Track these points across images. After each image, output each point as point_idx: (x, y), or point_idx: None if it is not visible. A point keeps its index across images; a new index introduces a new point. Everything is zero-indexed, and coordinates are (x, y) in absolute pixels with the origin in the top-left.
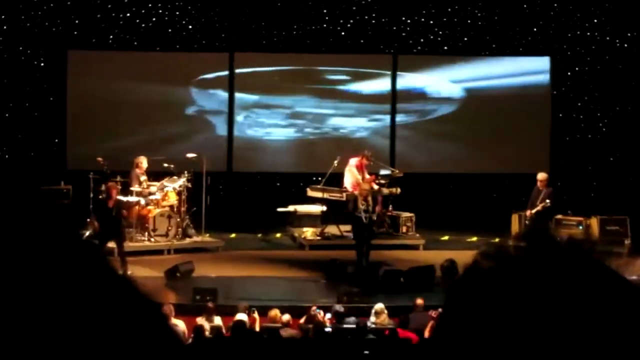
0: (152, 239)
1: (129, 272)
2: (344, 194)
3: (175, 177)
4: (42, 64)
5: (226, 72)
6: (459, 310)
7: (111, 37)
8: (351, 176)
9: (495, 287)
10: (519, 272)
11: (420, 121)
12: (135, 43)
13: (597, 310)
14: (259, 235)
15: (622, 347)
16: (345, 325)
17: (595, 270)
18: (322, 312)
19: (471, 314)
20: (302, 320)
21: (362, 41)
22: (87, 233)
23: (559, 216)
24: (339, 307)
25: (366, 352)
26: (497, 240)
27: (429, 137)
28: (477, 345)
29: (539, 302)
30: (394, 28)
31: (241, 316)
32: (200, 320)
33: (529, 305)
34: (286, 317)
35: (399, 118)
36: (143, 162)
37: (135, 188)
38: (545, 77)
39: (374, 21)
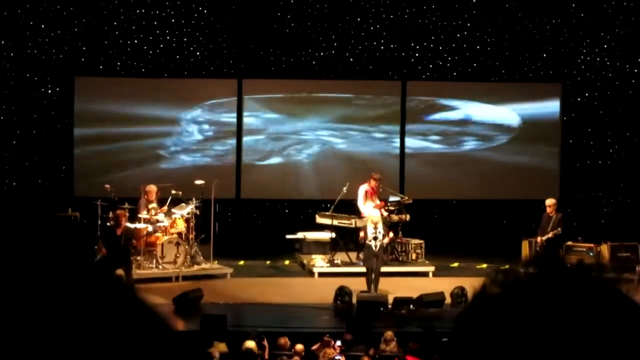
0: (160, 267)
1: None
2: (353, 221)
3: (183, 204)
4: (50, 91)
5: (234, 98)
6: (468, 336)
7: (119, 63)
8: (362, 200)
9: (503, 312)
10: (528, 297)
11: (430, 147)
12: (143, 69)
13: (607, 332)
14: (268, 262)
15: None
16: (353, 353)
17: (605, 294)
18: (332, 340)
19: (479, 340)
20: (315, 347)
21: (370, 67)
22: (95, 260)
23: (569, 243)
24: (348, 336)
25: None
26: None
27: (438, 164)
28: None
29: (548, 326)
30: (403, 54)
31: (250, 344)
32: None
33: (539, 329)
34: (299, 347)
35: (408, 144)
36: (152, 190)
37: (144, 215)
38: (555, 103)
39: (382, 47)
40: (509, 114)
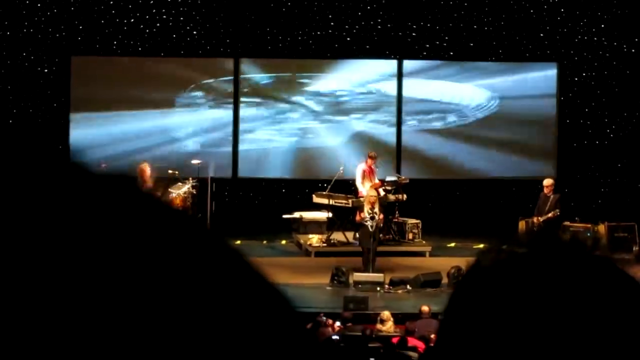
0: None
1: None
2: (350, 201)
3: (180, 184)
4: (46, 70)
5: (231, 78)
6: (462, 310)
7: (115, 42)
8: (360, 179)
9: (496, 288)
10: (522, 272)
11: (427, 127)
12: (140, 48)
13: (601, 307)
14: (264, 242)
15: (626, 346)
16: (350, 333)
17: (600, 267)
18: (329, 319)
19: (473, 314)
20: (308, 327)
21: (367, 46)
22: None
23: (567, 223)
24: (348, 314)
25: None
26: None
27: (435, 143)
28: (480, 346)
29: (542, 299)
30: (400, 33)
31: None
32: None
33: (532, 302)
34: None
35: (405, 124)
36: (147, 169)
37: None
38: (552, 83)
39: (379, 27)
40: (505, 93)
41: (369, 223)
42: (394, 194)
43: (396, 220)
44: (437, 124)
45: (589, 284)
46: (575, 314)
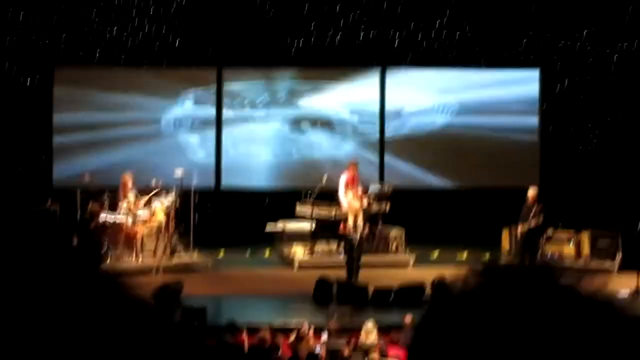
0: (140, 258)
1: None
2: (334, 211)
3: (163, 195)
4: (29, 80)
5: (214, 88)
6: (427, 341)
7: (98, 52)
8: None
9: (462, 315)
10: (486, 301)
11: (409, 135)
12: (123, 58)
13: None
14: (248, 253)
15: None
16: (334, 346)
17: (562, 298)
18: (311, 330)
19: (437, 346)
20: (291, 339)
21: (350, 54)
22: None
23: (550, 231)
24: (333, 324)
25: None
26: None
27: (418, 152)
28: None
29: (504, 331)
30: (383, 41)
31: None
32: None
33: (495, 333)
34: (278, 339)
35: (388, 132)
36: (129, 180)
37: (123, 206)
38: (534, 89)
39: (362, 33)
40: (487, 99)
41: (352, 233)
42: (377, 203)
43: (380, 230)
44: (420, 132)
45: (550, 318)
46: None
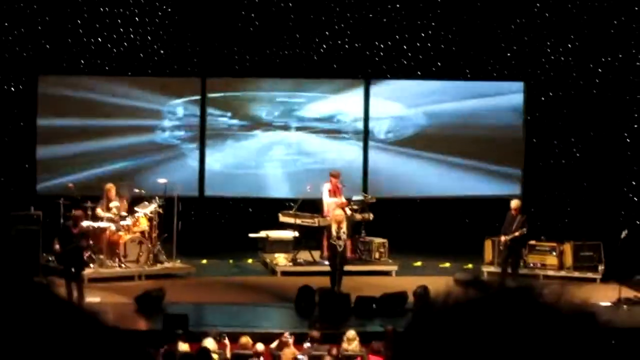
0: (123, 265)
1: (85, 300)
2: (317, 220)
3: (146, 203)
4: (13, 89)
5: (198, 97)
6: (409, 352)
7: (82, 62)
8: (325, 201)
9: (441, 332)
10: (464, 319)
11: (393, 146)
12: (107, 68)
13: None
14: (231, 261)
15: None
16: (316, 353)
17: (542, 318)
18: (293, 338)
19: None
20: (273, 346)
21: (334, 66)
22: (51, 257)
23: (532, 242)
24: (315, 333)
25: None
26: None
27: (402, 162)
28: None
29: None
30: (367, 53)
31: (209, 342)
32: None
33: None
34: (260, 346)
35: (372, 143)
36: (112, 189)
37: (106, 214)
38: (518, 102)
39: (346, 46)
40: (472, 112)
41: (336, 243)
42: (360, 213)
43: (363, 239)
44: (403, 143)
45: (531, 338)
46: None
